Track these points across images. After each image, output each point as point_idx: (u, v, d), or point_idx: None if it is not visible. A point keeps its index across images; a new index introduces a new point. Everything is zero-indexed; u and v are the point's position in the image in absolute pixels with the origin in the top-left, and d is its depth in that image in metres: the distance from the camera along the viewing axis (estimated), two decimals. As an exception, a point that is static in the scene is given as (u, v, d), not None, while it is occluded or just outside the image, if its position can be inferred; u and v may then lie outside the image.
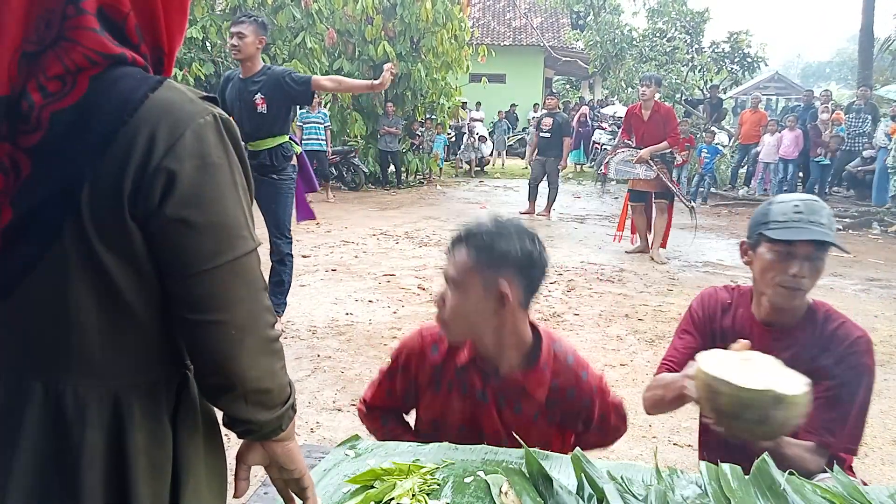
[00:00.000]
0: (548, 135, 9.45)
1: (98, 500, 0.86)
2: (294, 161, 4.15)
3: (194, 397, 0.96)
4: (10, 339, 0.86)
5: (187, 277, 0.84)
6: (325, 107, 13.04)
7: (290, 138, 4.14)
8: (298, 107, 12.21)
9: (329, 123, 10.86)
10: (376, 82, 4.15)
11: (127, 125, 0.79)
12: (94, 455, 0.85)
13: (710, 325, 1.73)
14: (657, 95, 6.77)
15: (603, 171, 7.15)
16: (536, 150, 9.67)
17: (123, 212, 0.80)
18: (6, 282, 0.83)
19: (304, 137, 10.27)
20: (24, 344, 0.86)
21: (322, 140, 10.45)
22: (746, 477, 1.25)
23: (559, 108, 10.00)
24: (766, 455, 1.27)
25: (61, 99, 0.78)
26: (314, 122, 10.48)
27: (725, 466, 1.28)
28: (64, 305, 0.83)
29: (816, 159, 11.42)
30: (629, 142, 6.83)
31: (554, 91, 10.18)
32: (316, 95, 10.64)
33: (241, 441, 1.02)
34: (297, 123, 10.60)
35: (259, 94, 3.89)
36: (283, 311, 4.33)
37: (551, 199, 9.72)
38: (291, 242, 4.25)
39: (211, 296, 0.85)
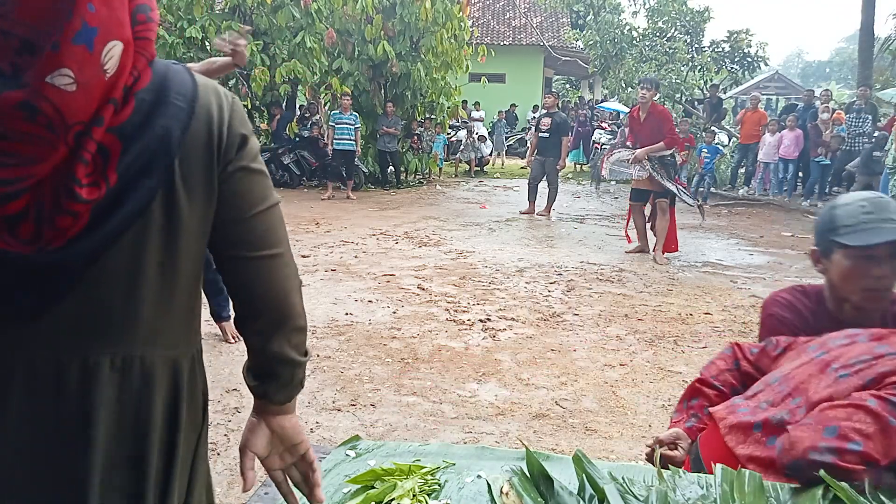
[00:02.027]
0: (546, 135, 9.42)
1: (155, 468, 0.93)
2: None
3: (200, 372, 1.05)
4: (78, 315, 0.88)
5: (249, 218, 0.97)
6: (325, 106, 13.07)
7: None
8: (329, 109, 12.35)
9: (359, 125, 11.13)
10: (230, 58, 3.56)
11: (198, 100, 0.92)
12: (157, 425, 0.93)
13: (804, 331, 1.59)
14: (657, 97, 6.80)
15: (600, 169, 7.15)
16: (536, 150, 9.67)
17: (213, 170, 0.93)
18: (90, 256, 0.86)
19: (336, 137, 10.83)
20: (94, 318, 0.89)
21: (352, 140, 10.91)
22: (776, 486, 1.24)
23: (557, 108, 10.00)
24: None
25: (137, 81, 0.86)
26: (346, 124, 10.91)
27: (745, 472, 1.27)
28: (137, 276, 0.90)
29: (817, 159, 11.42)
30: (629, 144, 6.87)
31: (553, 90, 10.10)
32: (349, 98, 10.87)
33: (242, 434, 1.06)
34: (330, 124, 10.95)
35: None
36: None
37: (551, 198, 9.72)
38: None
39: (268, 232, 0.99)
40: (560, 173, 9.86)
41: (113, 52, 0.81)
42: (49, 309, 0.87)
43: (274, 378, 1.02)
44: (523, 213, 9.71)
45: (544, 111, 9.85)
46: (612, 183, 14.35)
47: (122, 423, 0.90)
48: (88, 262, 0.86)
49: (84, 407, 0.87)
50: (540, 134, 9.58)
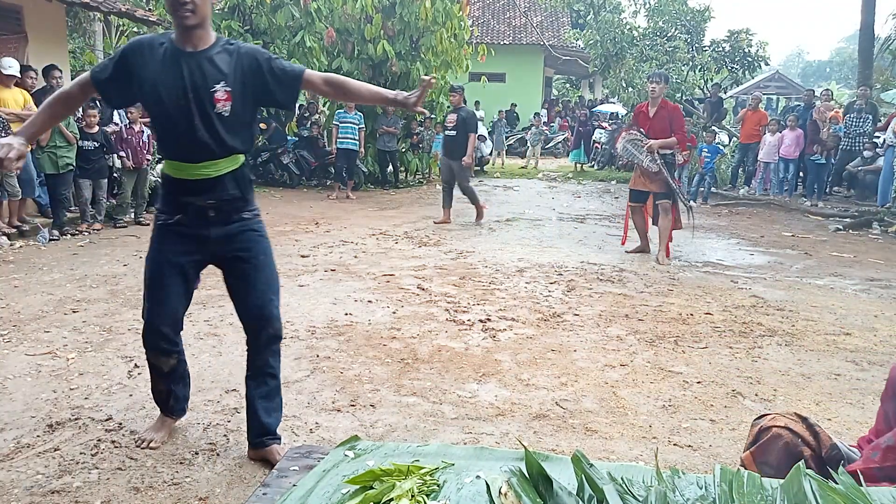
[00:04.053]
0: (453, 133, 8.53)
1: None
2: None
3: None
4: None
5: None
6: (324, 105, 13.07)
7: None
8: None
9: (363, 125, 11.14)
10: (409, 96, 2.49)
11: None
12: None
13: None
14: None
15: (615, 142, 6.85)
16: (443, 151, 8.83)
17: None
18: None
19: (340, 136, 10.76)
20: None
21: (356, 140, 10.88)
22: (775, 485, 1.24)
23: (464, 104, 9.04)
24: (801, 463, 1.26)
25: None
26: (350, 123, 10.89)
27: (744, 472, 1.27)
28: None
29: (813, 158, 11.42)
30: (641, 129, 6.67)
31: (455, 86, 9.19)
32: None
33: None
34: (335, 122, 10.91)
35: (224, 83, 2.36)
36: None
37: (474, 202, 8.88)
38: None
39: None
40: (471, 172, 9.02)
41: None
42: None
43: None
44: (438, 223, 8.68)
45: (450, 108, 8.94)
46: (614, 182, 14.36)
47: None
48: None
49: None
50: (446, 132, 8.72)
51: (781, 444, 1.81)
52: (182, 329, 2.63)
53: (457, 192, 8.91)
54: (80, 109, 7.88)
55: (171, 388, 2.69)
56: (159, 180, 9.71)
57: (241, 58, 2.39)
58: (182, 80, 2.32)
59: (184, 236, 2.48)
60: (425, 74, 11.91)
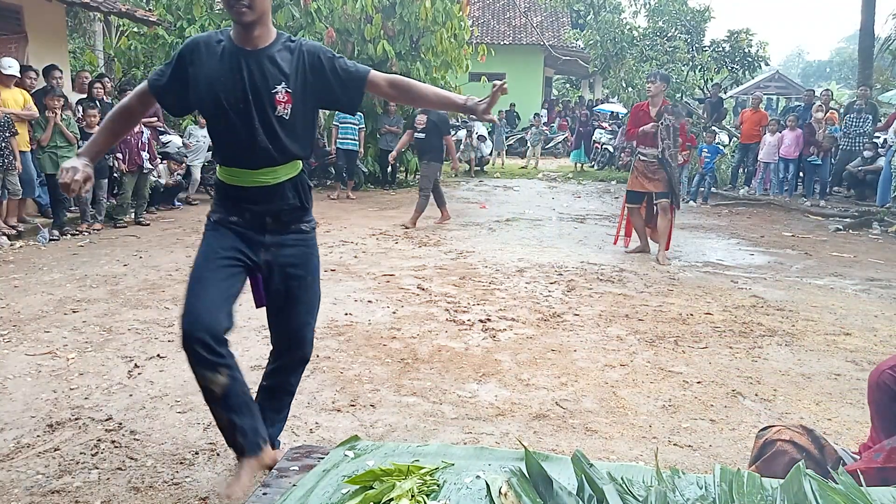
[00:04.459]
0: (422, 135, 8.39)
1: None
2: None
3: None
4: None
5: None
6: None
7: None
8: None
9: (363, 125, 11.19)
10: (479, 102, 2.26)
11: None
12: None
13: None
14: (664, 90, 6.73)
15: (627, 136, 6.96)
16: (417, 153, 8.45)
17: None
18: None
19: (340, 137, 10.80)
20: None
21: (356, 140, 10.95)
22: (775, 485, 1.24)
23: None
24: (800, 463, 1.27)
25: None
26: (350, 123, 10.90)
27: (744, 472, 1.27)
28: None
29: (809, 159, 11.46)
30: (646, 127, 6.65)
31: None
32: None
33: None
34: (335, 123, 10.91)
35: (284, 83, 2.19)
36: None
37: (419, 207, 8.43)
38: None
39: None
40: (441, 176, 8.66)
41: None
42: None
43: None
44: (438, 223, 8.61)
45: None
46: (614, 182, 14.36)
47: None
48: None
49: None
50: (416, 134, 8.52)
51: (787, 459, 1.79)
52: (227, 335, 2.17)
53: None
54: (81, 109, 7.88)
55: (231, 418, 2.16)
56: (159, 181, 9.58)
57: (302, 56, 2.22)
58: (242, 81, 2.16)
59: (238, 233, 2.29)
60: (425, 73, 11.97)
